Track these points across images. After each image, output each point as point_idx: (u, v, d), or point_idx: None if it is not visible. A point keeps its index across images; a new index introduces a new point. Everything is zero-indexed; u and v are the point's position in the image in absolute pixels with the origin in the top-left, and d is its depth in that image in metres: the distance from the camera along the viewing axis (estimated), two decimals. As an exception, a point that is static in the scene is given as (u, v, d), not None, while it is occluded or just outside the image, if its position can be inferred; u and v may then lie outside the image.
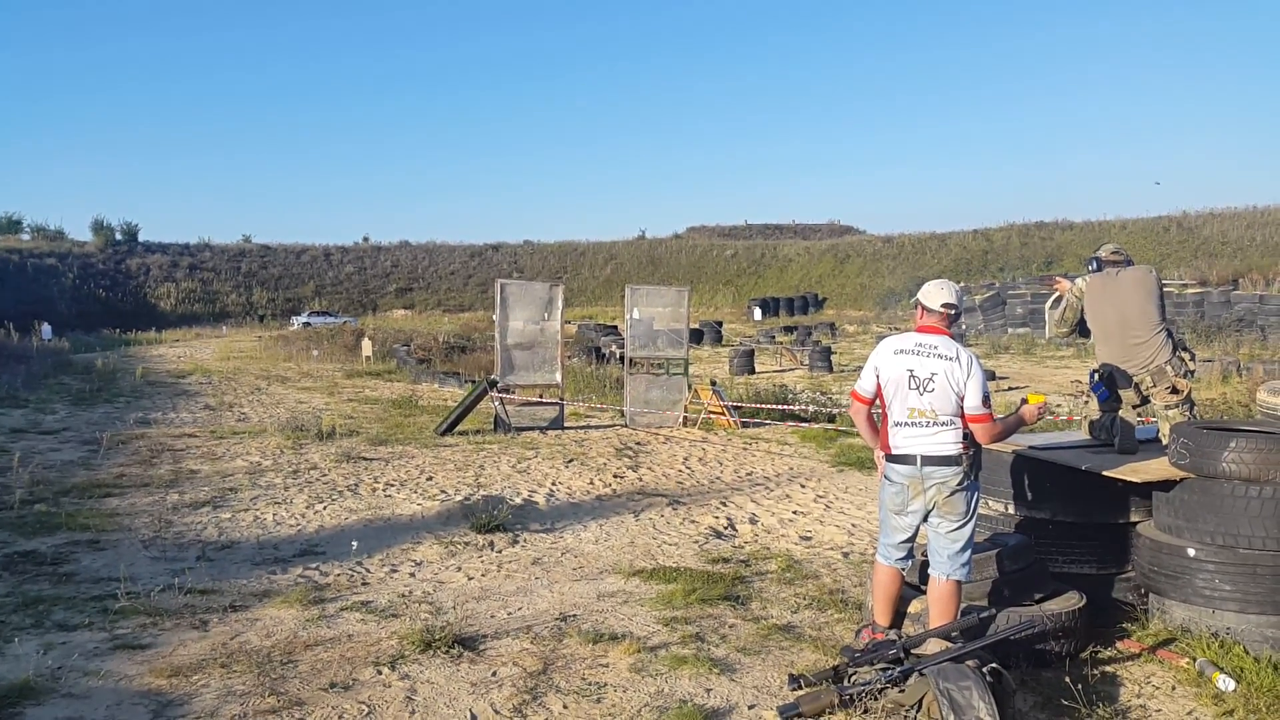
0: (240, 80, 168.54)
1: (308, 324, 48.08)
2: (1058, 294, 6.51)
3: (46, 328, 41.39)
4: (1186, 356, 5.98)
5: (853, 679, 4.14)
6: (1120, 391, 5.88)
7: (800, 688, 4.16)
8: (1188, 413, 5.91)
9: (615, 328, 34.24)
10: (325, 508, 8.52)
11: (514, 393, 14.30)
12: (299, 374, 24.36)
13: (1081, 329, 6.39)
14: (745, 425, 13.87)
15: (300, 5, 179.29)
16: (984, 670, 3.83)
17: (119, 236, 66.69)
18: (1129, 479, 4.97)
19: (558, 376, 14.45)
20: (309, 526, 7.85)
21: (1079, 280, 6.34)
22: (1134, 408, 5.91)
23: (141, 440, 12.56)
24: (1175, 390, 5.85)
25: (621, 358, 17.55)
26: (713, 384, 15.53)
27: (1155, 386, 5.87)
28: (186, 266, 66.36)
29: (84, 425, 14.27)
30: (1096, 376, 5.98)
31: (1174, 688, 4.36)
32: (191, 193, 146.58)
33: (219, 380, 22.64)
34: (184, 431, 13.50)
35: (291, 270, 69.96)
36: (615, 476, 10.12)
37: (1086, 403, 6.09)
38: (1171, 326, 6.11)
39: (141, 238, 68.08)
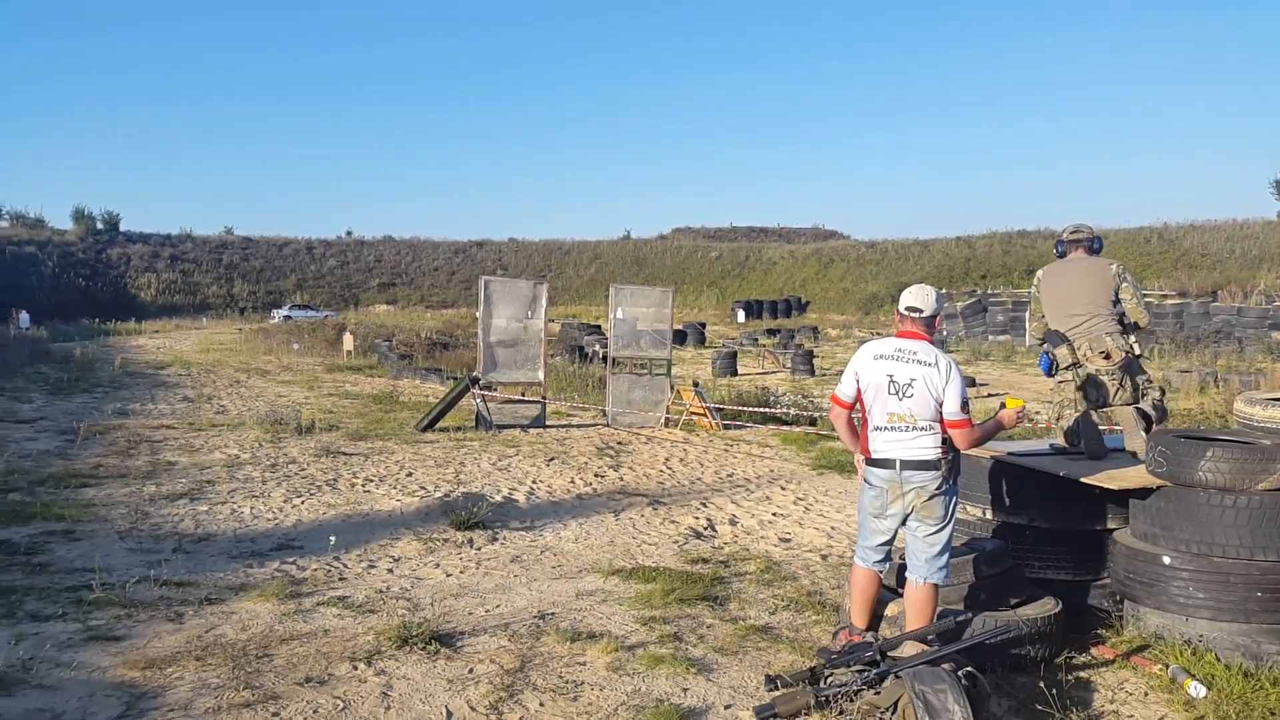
0: (225, 72, 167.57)
1: (289, 317, 47.79)
2: None
3: (24, 316, 41.06)
4: (1135, 344, 5.87)
5: (829, 680, 4.15)
6: (1055, 350, 5.79)
7: (777, 688, 4.17)
8: (1121, 389, 5.78)
9: (599, 327, 34.19)
10: (303, 502, 8.48)
11: (496, 390, 14.28)
12: (279, 367, 24.22)
13: None
14: (727, 427, 13.89)
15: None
16: (959, 674, 3.85)
17: (100, 226, 66.13)
18: (1106, 486, 5.01)
19: (540, 375, 14.43)
20: (286, 520, 7.81)
21: (1038, 272, 6.32)
22: (1066, 368, 5.83)
23: (119, 431, 12.46)
24: (1107, 356, 5.72)
25: (605, 357, 17.54)
26: (695, 385, 15.54)
27: (1090, 351, 5.80)
28: (168, 257, 65.87)
29: (61, 415, 14.15)
30: (1043, 348, 6.00)
31: (1146, 694, 4.40)
32: (174, 183, 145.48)
33: (198, 372, 22.49)
34: (162, 423, 13.40)
35: (273, 263, 69.58)
36: (596, 476, 10.12)
37: (1060, 418, 6.08)
38: (1140, 342, 5.99)
39: (123, 227, 67.57)
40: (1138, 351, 5.89)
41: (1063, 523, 5.39)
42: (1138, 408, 5.80)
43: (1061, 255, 6.22)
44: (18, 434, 12.12)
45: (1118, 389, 5.77)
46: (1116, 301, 5.85)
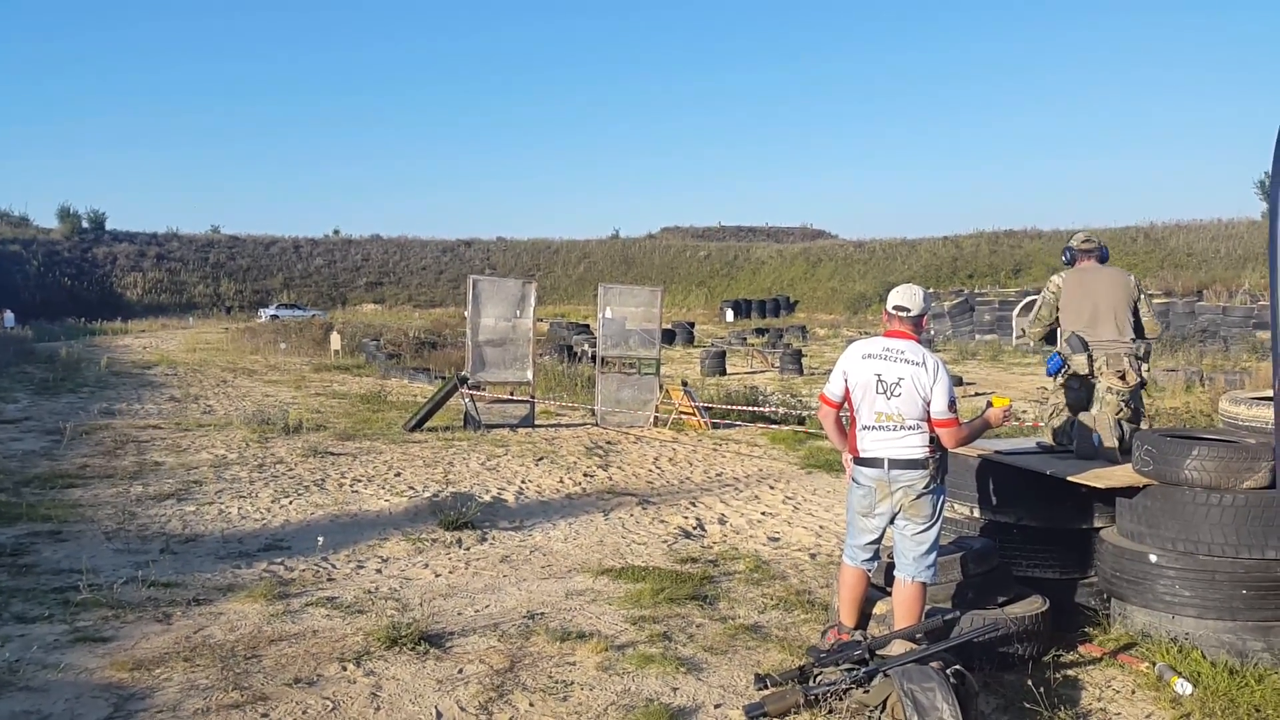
0: (211, 70, 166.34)
1: (275, 316, 47.62)
2: (1027, 300, 6.52)
3: (9, 315, 40.81)
4: (1145, 368, 5.99)
5: (818, 679, 4.17)
6: (1074, 356, 5.86)
7: (766, 687, 4.18)
8: (1124, 408, 5.86)
9: (587, 326, 34.19)
10: (291, 502, 8.46)
11: (485, 390, 14.26)
12: (266, 367, 24.14)
13: (1050, 337, 6.41)
14: (716, 426, 13.90)
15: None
16: (948, 672, 3.86)
17: (85, 224, 65.75)
18: (1093, 485, 5.03)
19: (529, 374, 14.42)
20: (274, 521, 7.79)
21: (1054, 277, 6.34)
22: (1080, 375, 5.90)
23: (105, 431, 12.40)
24: (1123, 377, 5.83)
25: (593, 356, 17.54)
26: (684, 384, 15.54)
27: (1106, 368, 5.86)
28: (154, 256, 65.54)
29: (47, 415, 14.07)
30: (1055, 351, 6.04)
31: (1134, 691, 4.42)
32: (160, 182, 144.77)
33: (185, 372, 22.40)
34: (149, 423, 13.35)
35: (260, 262, 69.29)
36: (585, 475, 10.12)
37: (1051, 416, 6.11)
38: (1147, 344, 6.06)
39: (109, 226, 67.19)
40: (1146, 380, 5.99)
41: (1050, 521, 5.42)
42: (1119, 421, 5.83)
43: (1070, 263, 6.26)
44: (3, 434, 12.05)
45: (1121, 408, 5.83)
46: (1135, 313, 5.95)
